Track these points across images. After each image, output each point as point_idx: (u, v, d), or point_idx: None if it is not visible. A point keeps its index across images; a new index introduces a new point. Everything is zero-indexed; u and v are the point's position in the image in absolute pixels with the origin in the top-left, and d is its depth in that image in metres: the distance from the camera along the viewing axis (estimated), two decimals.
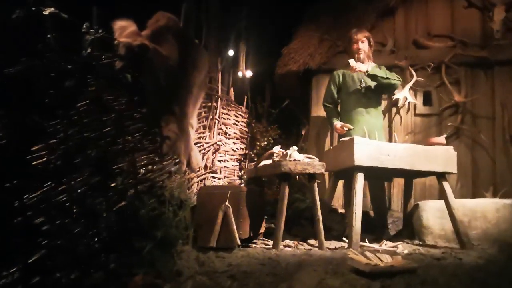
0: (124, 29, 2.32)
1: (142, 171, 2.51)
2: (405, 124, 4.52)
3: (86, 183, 1.94)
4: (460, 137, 4.36)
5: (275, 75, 4.96)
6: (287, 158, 2.81)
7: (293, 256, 2.57)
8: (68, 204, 1.81)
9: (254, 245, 2.98)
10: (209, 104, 3.49)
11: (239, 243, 2.63)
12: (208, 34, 3.53)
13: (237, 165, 4.37)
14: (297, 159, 2.83)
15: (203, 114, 3.47)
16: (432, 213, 3.50)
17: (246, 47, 3.91)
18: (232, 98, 4.39)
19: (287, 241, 3.21)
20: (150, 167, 2.57)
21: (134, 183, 2.36)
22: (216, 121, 3.67)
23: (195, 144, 3.31)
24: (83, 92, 2.00)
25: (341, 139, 3.31)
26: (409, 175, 3.64)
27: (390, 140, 4.44)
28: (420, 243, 3.47)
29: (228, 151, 4.17)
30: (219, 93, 3.69)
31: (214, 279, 2.26)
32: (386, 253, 2.79)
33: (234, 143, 4.36)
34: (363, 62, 3.75)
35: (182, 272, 2.34)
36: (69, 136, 1.92)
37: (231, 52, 5.75)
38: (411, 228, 3.64)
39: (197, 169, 3.01)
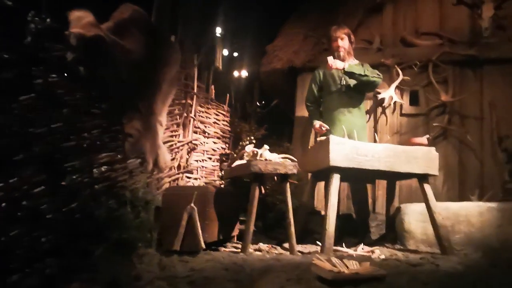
0: (80, 20, 2.19)
1: (102, 169, 2.38)
2: (391, 124, 4.39)
3: (28, 181, 1.81)
4: (448, 138, 4.22)
5: (260, 73, 4.85)
6: (258, 157, 2.68)
7: (261, 261, 2.44)
8: (4, 204, 1.68)
9: (223, 248, 2.85)
10: (184, 101, 3.36)
11: (204, 246, 2.50)
12: (185, 29, 3.40)
13: (217, 165, 4.24)
14: (269, 158, 2.69)
15: (176, 111, 3.34)
16: (414, 217, 3.37)
17: (223, 42, 3.79)
18: (213, 96, 4.25)
19: (260, 245, 3.08)
20: (110, 166, 2.45)
21: (90, 182, 2.24)
22: (192, 119, 3.53)
23: (166, 142, 3.18)
24: (28, 84, 1.87)
25: (317, 139, 3.18)
26: (391, 177, 3.51)
27: (374, 141, 4.30)
28: (402, 247, 3.33)
29: (207, 151, 4.04)
30: (195, 90, 3.56)
31: (173, 284, 2.13)
32: (362, 258, 2.67)
33: (215, 143, 4.23)
34: (343, 60, 3.63)
35: (141, 276, 2.21)
36: (10, 131, 1.79)
37: (225, 52, 5.65)
38: (394, 232, 3.51)
39: (166, 169, 2.89)
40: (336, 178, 2.92)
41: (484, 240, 3.21)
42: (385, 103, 4.31)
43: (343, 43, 3.67)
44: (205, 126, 4.02)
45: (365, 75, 3.49)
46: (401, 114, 4.38)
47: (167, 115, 3.25)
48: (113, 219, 2.33)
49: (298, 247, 3.16)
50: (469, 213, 3.28)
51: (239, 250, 2.76)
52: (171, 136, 3.28)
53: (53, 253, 1.82)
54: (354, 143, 2.97)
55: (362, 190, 3.70)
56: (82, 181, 2.16)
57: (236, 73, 5.04)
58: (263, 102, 6.54)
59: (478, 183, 4.07)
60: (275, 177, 3.89)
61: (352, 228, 3.78)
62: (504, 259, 2.83)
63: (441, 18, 4.44)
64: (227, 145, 4.62)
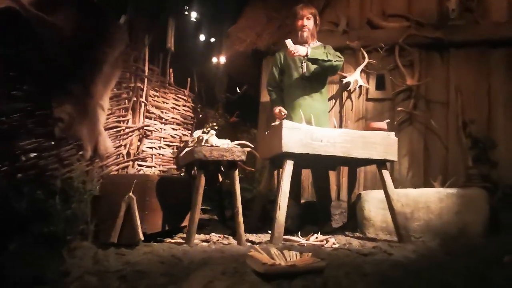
0: None
1: (27, 157, 2.19)
2: (357, 109, 4.27)
3: None
4: (413, 123, 4.13)
5: (225, 57, 4.66)
6: (202, 143, 2.52)
7: (203, 252, 2.30)
8: None
9: (169, 240, 2.70)
10: (133, 84, 3.15)
11: (142, 238, 2.34)
12: (136, 7, 3.18)
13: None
14: (215, 144, 2.54)
15: (124, 95, 3.14)
16: (375, 204, 3.27)
17: (175, 22, 3.57)
18: (171, 80, 4.05)
19: (212, 235, 2.94)
20: (39, 153, 2.25)
21: (10, 171, 2.05)
22: (143, 104, 3.34)
23: (112, 128, 2.99)
24: None
25: (272, 124, 3.03)
26: (350, 163, 3.39)
27: (340, 127, 4.18)
28: (361, 235, 3.24)
29: (164, 138, 3.85)
30: (146, 73, 3.35)
31: (103, 279, 1.99)
32: (313, 247, 2.56)
33: (174, 129, 4.04)
34: (306, 41, 3.46)
35: (70, 272, 2.05)
36: None
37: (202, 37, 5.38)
38: (355, 219, 3.42)
39: (106, 156, 2.71)
40: (289, 165, 2.79)
41: (443, 227, 3.13)
42: (351, 87, 4.18)
43: (308, 22, 3.50)
44: (162, 112, 3.83)
45: (328, 60, 3.33)
46: (367, 99, 4.26)
47: (113, 99, 3.07)
48: (39, 211, 2.15)
49: (252, 237, 3.05)
50: (428, 200, 3.20)
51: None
52: (118, 121, 3.08)
53: None
54: (308, 128, 2.83)
55: (324, 176, 3.58)
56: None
57: (201, 57, 4.84)
58: (238, 88, 6.35)
59: (443, 169, 3.99)
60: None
61: (314, 216, 3.68)
62: (461, 247, 2.76)
63: (409, 0, 4.30)
64: (189, 132, 4.44)
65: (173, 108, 4.04)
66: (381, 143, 2.93)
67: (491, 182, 3.68)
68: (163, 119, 3.85)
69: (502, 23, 3.94)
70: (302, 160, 3.24)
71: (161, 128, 3.79)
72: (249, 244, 2.65)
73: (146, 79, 3.37)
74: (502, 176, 3.79)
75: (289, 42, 3.27)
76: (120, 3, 3.31)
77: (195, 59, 5.01)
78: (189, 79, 4.34)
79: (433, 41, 4.05)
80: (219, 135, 5.15)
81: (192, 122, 4.50)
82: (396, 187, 3.97)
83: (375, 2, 4.38)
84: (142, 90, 3.33)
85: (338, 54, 3.43)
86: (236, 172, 2.60)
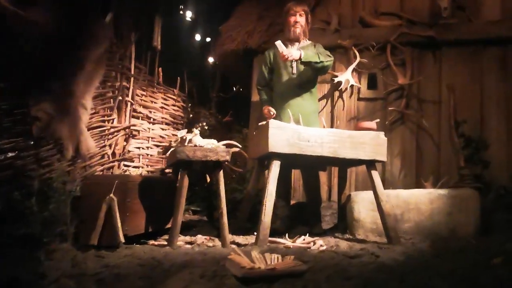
0: None
1: (3, 157, 2.13)
2: (348, 108, 4.22)
3: None
4: (405, 123, 4.07)
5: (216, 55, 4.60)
6: (186, 143, 2.46)
7: (185, 255, 2.24)
8: None
9: (153, 242, 2.64)
10: (118, 83, 3.09)
11: (123, 240, 2.28)
12: (122, 3, 3.12)
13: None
14: (199, 144, 2.48)
15: (110, 94, 3.07)
16: (364, 205, 3.22)
17: (163, 20, 3.51)
18: (160, 79, 3.98)
19: (198, 237, 2.89)
20: (17, 153, 2.19)
21: None
22: (130, 103, 3.27)
23: (96, 128, 2.93)
24: None
25: (259, 124, 2.98)
26: (340, 164, 3.34)
27: (332, 127, 4.13)
28: (351, 237, 3.19)
29: (153, 137, 3.79)
30: (132, 72, 3.29)
31: (80, 282, 1.92)
32: (299, 250, 2.50)
33: (163, 129, 3.98)
34: (298, 38, 3.41)
35: (47, 274, 1.99)
36: None
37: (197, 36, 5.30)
38: (345, 221, 3.37)
39: (88, 156, 2.65)
40: (275, 165, 2.73)
41: (434, 228, 3.09)
42: (342, 87, 4.12)
43: (301, 19, 3.44)
44: (150, 111, 3.76)
45: (321, 62, 3.29)
46: (359, 98, 4.20)
47: (97, 98, 3.00)
48: (16, 212, 2.09)
49: (239, 239, 2.99)
50: (419, 201, 3.15)
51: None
52: (103, 121, 3.02)
53: None
54: (295, 128, 2.78)
55: (314, 177, 3.53)
56: None
57: (192, 56, 4.79)
58: (234, 87, 6.30)
59: (435, 169, 3.94)
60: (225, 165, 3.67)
61: (305, 217, 3.62)
62: (451, 248, 2.71)
63: None
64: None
65: (162, 107, 3.98)
66: (370, 143, 2.88)
67: (484, 183, 3.63)
68: (151, 119, 3.78)
69: (495, 21, 3.89)
70: (290, 161, 3.19)
71: (149, 128, 3.73)
72: (234, 246, 2.60)
73: (132, 78, 3.30)
74: (495, 176, 3.74)
75: (279, 44, 3.20)
76: (106, 0, 3.25)
77: (186, 58, 4.95)
78: (179, 78, 4.27)
79: (425, 39, 4.01)
80: (211, 135, 5.12)
81: (182, 122, 4.44)
82: (387, 187, 3.93)
83: (367, 0, 4.33)
84: (128, 89, 3.27)
85: (328, 53, 3.38)
86: (221, 172, 2.54)
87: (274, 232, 3.11)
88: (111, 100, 3.10)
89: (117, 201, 2.31)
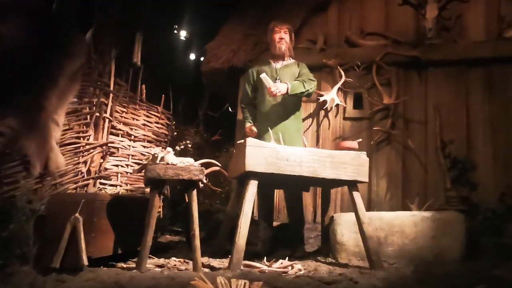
0: None
1: None
2: (334, 128, 4.16)
3: None
4: (391, 143, 4.01)
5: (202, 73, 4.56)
6: (157, 161, 2.38)
7: (151, 279, 2.12)
8: None
9: (123, 264, 2.51)
10: (95, 100, 3.02)
11: (86, 263, 2.16)
12: (103, 18, 3.08)
13: None
14: (171, 162, 2.39)
15: (87, 110, 3.00)
16: (347, 227, 3.12)
17: (142, 36, 3.48)
18: (144, 96, 3.93)
19: (172, 259, 2.77)
20: None
21: None
22: (108, 120, 3.20)
23: (69, 144, 2.84)
24: None
25: (238, 142, 2.90)
26: (321, 184, 3.25)
27: (317, 146, 4.06)
28: (333, 261, 3.07)
29: (134, 155, 3.70)
30: (112, 88, 3.22)
31: None
32: (274, 274, 2.38)
33: (145, 147, 3.89)
34: (284, 54, 3.39)
35: None
36: None
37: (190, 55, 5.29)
38: (328, 243, 3.25)
39: (58, 173, 2.55)
40: (252, 185, 2.64)
41: (418, 252, 2.97)
42: (327, 106, 4.07)
43: (286, 36, 3.43)
44: (131, 128, 3.68)
45: (306, 91, 3.30)
46: (344, 118, 4.15)
47: (71, 114, 2.93)
48: None
49: (215, 262, 2.86)
50: (403, 224, 3.05)
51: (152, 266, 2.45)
52: (78, 137, 2.93)
53: None
54: (274, 147, 2.70)
55: (296, 197, 3.43)
56: None
57: (178, 74, 4.75)
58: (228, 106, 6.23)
59: (422, 190, 3.85)
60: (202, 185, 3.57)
61: (287, 239, 3.51)
62: (435, 274, 2.60)
63: (387, 18, 4.26)
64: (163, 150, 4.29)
65: (144, 125, 3.90)
66: (351, 163, 2.80)
67: (471, 205, 3.54)
68: (132, 136, 3.70)
69: (479, 42, 3.89)
70: (269, 180, 3.10)
71: (129, 146, 3.64)
72: (206, 270, 2.48)
73: (111, 94, 3.23)
74: (482, 198, 3.65)
75: (265, 78, 3.18)
76: (86, 16, 3.22)
77: (172, 76, 4.91)
78: (163, 95, 4.22)
79: (410, 59, 3.99)
80: (196, 154, 5.02)
81: (166, 139, 4.36)
82: (373, 209, 3.84)
83: (354, 20, 4.34)
84: (107, 105, 3.20)
85: (311, 76, 3.39)
86: (194, 192, 2.44)
87: (255, 255, 2.99)
88: (88, 116, 3.02)
89: (82, 221, 2.20)
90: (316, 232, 3.92)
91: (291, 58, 3.53)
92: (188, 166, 2.40)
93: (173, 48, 5.52)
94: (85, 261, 2.16)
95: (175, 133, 4.35)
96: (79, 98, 2.86)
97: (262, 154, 2.63)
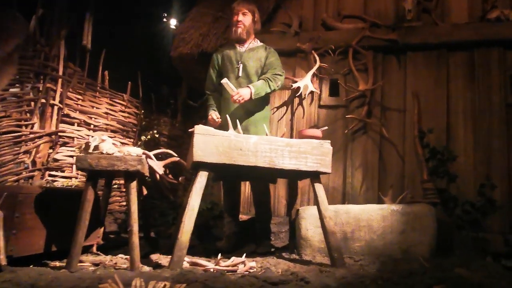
0: None
1: None
2: (308, 116, 3.93)
3: None
4: (368, 132, 3.78)
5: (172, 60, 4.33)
6: (90, 150, 2.17)
7: (77, 280, 1.92)
8: None
9: (58, 262, 2.32)
10: (40, 85, 2.80)
11: (4, 262, 1.97)
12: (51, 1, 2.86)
13: None
14: (106, 152, 2.18)
15: (30, 96, 2.78)
16: (312, 222, 2.92)
17: (92, 18, 3.24)
18: (106, 83, 3.71)
19: (119, 256, 2.59)
20: None
21: None
22: (58, 108, 2.98)
23: (8, 133, 2.64)
24: None
25: (189, 130, 2.68)
26: (286, 175, 3.04)
27: (291, 136, 3.84)
28: (297, 257, 2.87)
29: None
30: (60, 73, 3.00)
31: None
32: (215, 274, 2.18)
33: (110, 137, 3.68)
34: (240, 37, 3.16)
35: None
36: None
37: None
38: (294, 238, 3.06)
39: None
40: (201, 176, 2.43)
41: (385, 248, 2.77)
42: (301, 93, 3.84)
43: (244, 19, 3.18)
44: (90, 117, 3.47)
45: (272, 90, 3.11)
46: (320, 106, 3.92)
47: (8, 101, 2.72)
48: None
49: (166, 259, 2.67)
50: (371, 218, 2.84)
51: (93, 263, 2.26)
52: (18, 125, 2.72)
53: None
54: (226, 135, 2.49)
55: (262, 190, 3.22)
56: None
57: (148, 60, 4.52)
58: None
59: (399, 182, 3.63)
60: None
61: (254, 234, 3.31)
62: (399, 272, 2.39)
63: (366, 0, 4.00)
64: (130, 140, 4.09)
65: (106, 113, 3.69)
66: (313, 153, 2.58)
67: (449, 197, 3.33)
68: (92, 125, 3.49)
69: (461, 24, 3.63)
70: (225, 171, 2.90)
71: (88, 135, 3.43)
72: (148, 268, 2.28)
73: (60, 80, 3.02)
74: (461, 190, 3.43)
75: (226, 83, 2.96)
76: None
77: (143, 63, 4.68)
78: (129, 82, 4.00)
79: (387, 43, 3.74)
80: (173, 145, 4.79)
81: (135, 129, 4.15)
82: (348, 202, 3.63)
83: (331, 2, 4.09)
84: (55, 91, 2.99)
85: (279, 68, 3.14)
86: (133, 184, 2.24)
87: (218, 251, 2.80)
88: (32, 103, 2.81)
89: (3, 217, 2.00)
90: (287, 227, 3.73)
91: (257, 41, 3.30)
92: (125, 156, 2.20)
93: (147, 33, 5.28)
94: (3, 261, 1.96)
95: (143, 123, 4.12)
96: (20, 83, 2.64)
97: (212, 142, 2.42)
